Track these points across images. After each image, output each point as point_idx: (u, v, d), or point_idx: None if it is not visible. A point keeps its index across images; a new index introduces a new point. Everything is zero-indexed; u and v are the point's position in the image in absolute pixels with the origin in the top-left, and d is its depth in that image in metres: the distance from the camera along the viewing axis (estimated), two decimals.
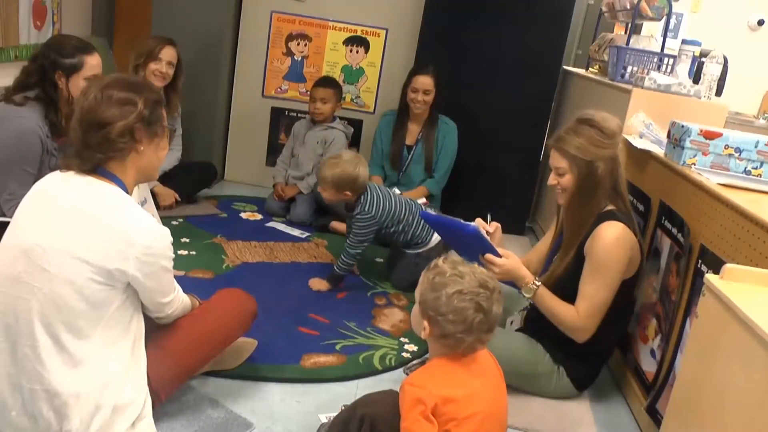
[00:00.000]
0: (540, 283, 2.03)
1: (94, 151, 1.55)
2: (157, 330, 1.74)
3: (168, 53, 3.25)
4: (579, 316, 1.99)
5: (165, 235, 1.58)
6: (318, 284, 2.81)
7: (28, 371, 1.50)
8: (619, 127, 2.04)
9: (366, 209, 2.77)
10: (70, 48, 2.30)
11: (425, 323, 1.50)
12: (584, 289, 2.00)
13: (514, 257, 2.03)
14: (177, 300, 1.74)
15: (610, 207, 2.04)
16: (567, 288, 2.04)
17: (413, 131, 3.60)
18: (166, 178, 3.42)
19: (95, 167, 1.57)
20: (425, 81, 3.45)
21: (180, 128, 3.59)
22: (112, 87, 1.58)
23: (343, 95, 4.06)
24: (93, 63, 2.33)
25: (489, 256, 1.99)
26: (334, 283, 2.82)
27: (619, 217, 2.00)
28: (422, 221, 2.87)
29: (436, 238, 2.91)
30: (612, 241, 1.96)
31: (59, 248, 1.49)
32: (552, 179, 2.08)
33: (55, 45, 2.31)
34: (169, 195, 3.43)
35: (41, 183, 1.62)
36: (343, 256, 2.80)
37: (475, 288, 1.47)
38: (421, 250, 2.90)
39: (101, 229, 1.50)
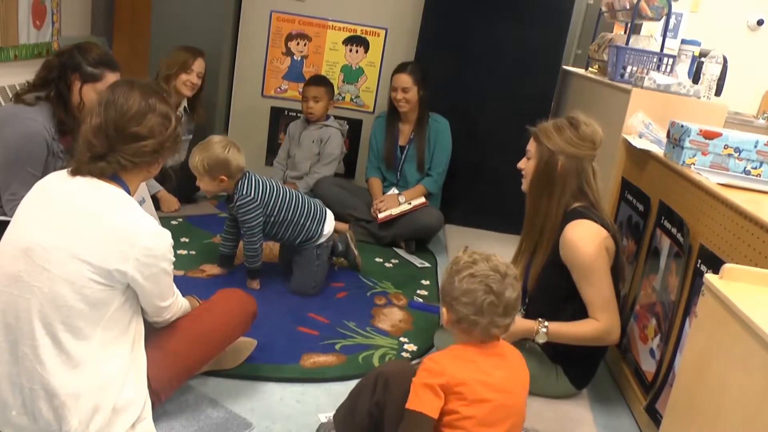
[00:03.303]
0: (546, 323, 2.01)
1: (122, 158, 1.55)
2: (156, 330, 1.74)
3: (199, 65, 3.40)
4: (600, 321, 1.99)
5: (166, 237, 1.58)
6: (250, 284, 2.73)
7: (28, 370, 1.50)
8: (597, 137, 2.05)
9: (244, 192, 2.60)
10: (97, 57, 2.31)
11: (443, 310, 1.57)
12: (587, 296, 2.00)
13: None
14: (176, 305, 1.73)
15: (576, 205, 2.06)
16: (550, 286, 2.05)
17: (405, 131, 3.60)
18: (166, 178, 3.43)
19: (113, 173, 1.57)
20: (402, 79, 3.44)
21: (191, 135, 3.63)
22: (153, 95, 1.59)
23: (342, 95, 4.07)
24: (112, 80, 2.32)
25: None
26: (256, 277, 2.73)
27: (583, 213, 2.02)
28: (315, 213, 2.75)
29: (328, 230, 2.78)
30: (581, 243, 1.97)
31: (60, 248, 1.49)
32: (520, 162, 2.16)
33: (83, 49, 2.31)
34: (173, 202, 3.45)
35: (43, 182, 1.62)
36: (245, 251, 2.69)
37: (486, 271, 1.52)
38: (318, 243, 2.76)
39: (102, 229, 1.50)
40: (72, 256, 1.48)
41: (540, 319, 2.02)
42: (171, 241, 1.60)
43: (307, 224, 2.73)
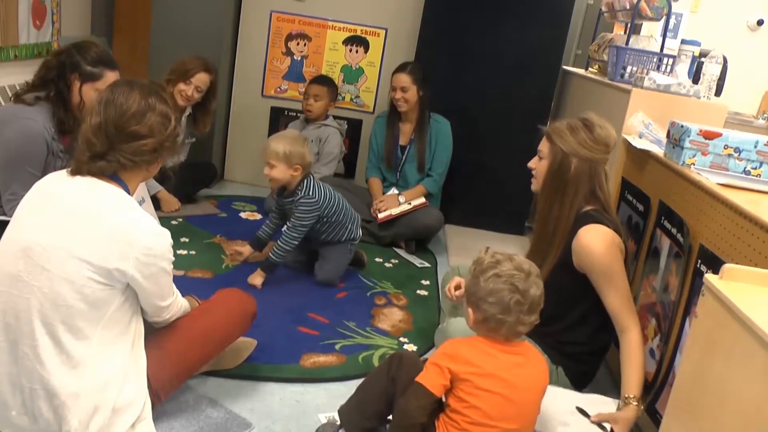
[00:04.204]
0: (628, 395, 1.85)
1: (122, 156, 1.55)
2: (156, 330, 1.74)
3: (200, 79, 3.33)
4: (632, 330, 1.91)
5: (165, 236, 1.58)
6: (254, 279, 2.74)
7: (28, 371, 1.50)
8: (611, 140, 2.03)
9: (310, 194, 2.74)
10: (95, 56, 2.30)
11: (469, 310, 1.61)
12: (612, 303, 1.95)
13: (608, 416, 1.83)
14: (175, 305, 1.73)
15: (588, 208, 2.05)
16: (559, 286, 2.05)
17: (406, 131, 3.61)
18: (165, 178, 3.43)
19: (113, 173, 1.57)
20: (401, 78, 3.45)
21: (194, 138, 3.62)
22: (153, 95, 1.59)
23: (342, 95, 4.06)
24: (111, 79, 2.32)
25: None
26: (269, 272, 2.76)
27: (595, 217, 2.00)
28: (353, 215, 2.93)
29: (361, 232, 3.00)
30: (595, 247, 1.95)
31: (59, 247, 1.49)
32: (531, 162, 2.13)
33: (82, 48, 2.31)
34: (173, 202, 3.45)
35: (42, 182, 1.62)
36: (280, 243, 2.74)
37: (511, 270, 1.56)
38: (355, 242, 2.97)
39: (102, 228, 1.50)
40: (71, 255, 1.48)
41: (625, 398, 1.85)
42: (170, 241, 1.60)
43: (349, 225, 2.91)
